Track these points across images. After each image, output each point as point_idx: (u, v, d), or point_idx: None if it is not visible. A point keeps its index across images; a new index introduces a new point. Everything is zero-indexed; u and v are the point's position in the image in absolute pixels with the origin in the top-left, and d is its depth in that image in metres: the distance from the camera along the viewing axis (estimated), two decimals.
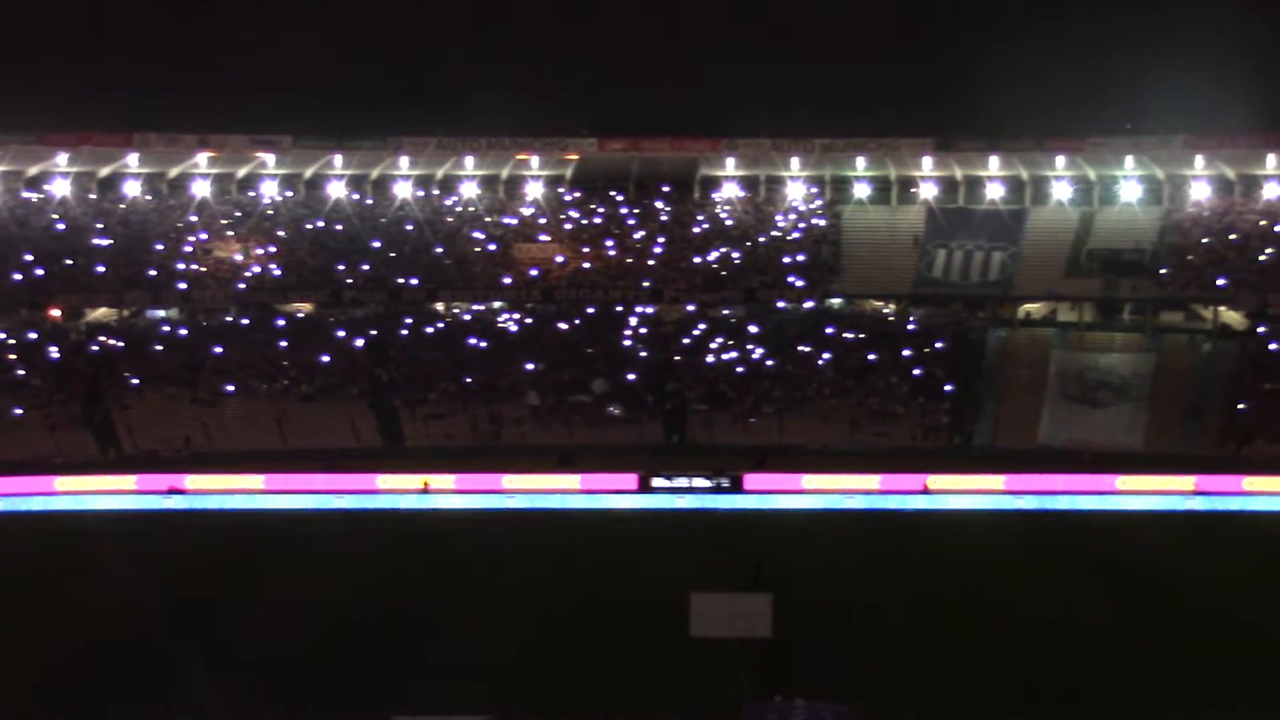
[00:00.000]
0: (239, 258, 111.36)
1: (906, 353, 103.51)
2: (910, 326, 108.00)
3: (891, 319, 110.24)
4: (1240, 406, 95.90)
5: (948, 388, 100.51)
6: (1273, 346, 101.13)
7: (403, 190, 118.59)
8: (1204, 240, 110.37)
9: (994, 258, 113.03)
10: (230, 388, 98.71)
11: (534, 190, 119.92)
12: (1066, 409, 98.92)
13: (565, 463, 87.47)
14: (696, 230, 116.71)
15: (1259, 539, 72.58)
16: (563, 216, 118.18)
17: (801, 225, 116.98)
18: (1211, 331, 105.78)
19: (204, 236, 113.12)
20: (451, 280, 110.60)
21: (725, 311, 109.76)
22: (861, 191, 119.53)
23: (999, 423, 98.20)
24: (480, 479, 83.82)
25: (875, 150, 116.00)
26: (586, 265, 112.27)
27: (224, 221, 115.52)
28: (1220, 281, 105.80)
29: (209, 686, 48.16)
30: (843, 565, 65.63)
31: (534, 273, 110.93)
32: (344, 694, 47.93)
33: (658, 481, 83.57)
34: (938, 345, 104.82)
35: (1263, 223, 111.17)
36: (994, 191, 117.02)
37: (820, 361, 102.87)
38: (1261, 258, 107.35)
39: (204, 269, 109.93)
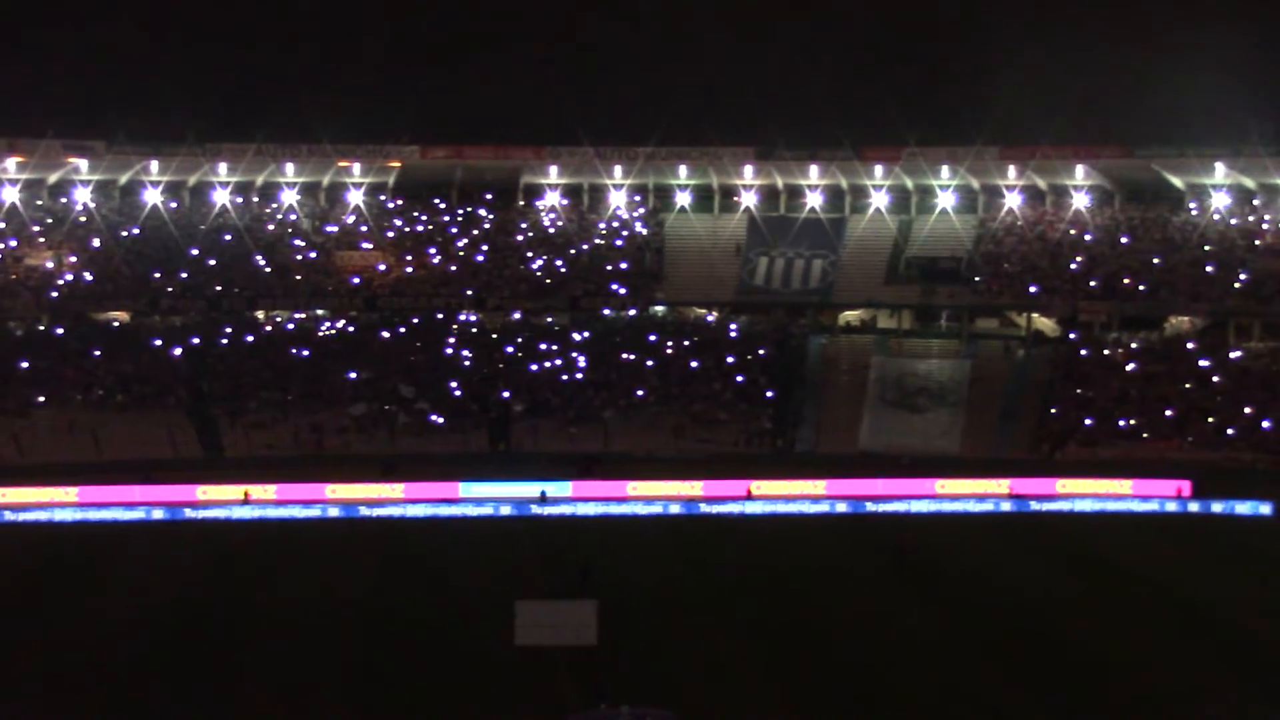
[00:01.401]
0: (50, 265, 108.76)
1: (729, 360, 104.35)
2: (732, 334, 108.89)
3: (714, 326, 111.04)
4: (1053, 411, 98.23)
5: (770, 394, 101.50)
6: (1084, 352, 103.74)
7: (221, 197, 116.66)
8: (1017, 248, 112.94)
9: (814, 265, 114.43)
10: (42, 398, 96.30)
11: (356, 198, 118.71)
12: (886, 414, 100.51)
13: (388, 471, 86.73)
14: (520, 238, 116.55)
15: (1071, 539, 74.19)
16: (385, 224, 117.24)
17: (625, 233, 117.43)
18: (1025, 338, 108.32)
19: (13, 244, 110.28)
20: (272, 289, 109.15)
21: (549, 319, 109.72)
22: (684, 200, 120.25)
23: (820, 428, 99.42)
24: (302, 489, 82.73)
25: (697, 159, 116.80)
26: (409, 273, 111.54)
27: (35, 229, 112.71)
28: (1033, 289, 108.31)
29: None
30: (668, 571, 65.83)
31: (356, 281, 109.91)
32: (152, 709, 46.91)
33: (482, 489, 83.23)
34: (760, 352, 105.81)
35: (1073, 232, 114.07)
36: (814, 200, 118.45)
37: (644, 369, 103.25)
38: (1072, 266, 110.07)
39: (14, 276, 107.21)
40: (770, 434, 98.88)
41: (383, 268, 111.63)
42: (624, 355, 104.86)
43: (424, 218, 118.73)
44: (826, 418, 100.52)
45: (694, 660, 51.39)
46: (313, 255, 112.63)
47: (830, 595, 61.51)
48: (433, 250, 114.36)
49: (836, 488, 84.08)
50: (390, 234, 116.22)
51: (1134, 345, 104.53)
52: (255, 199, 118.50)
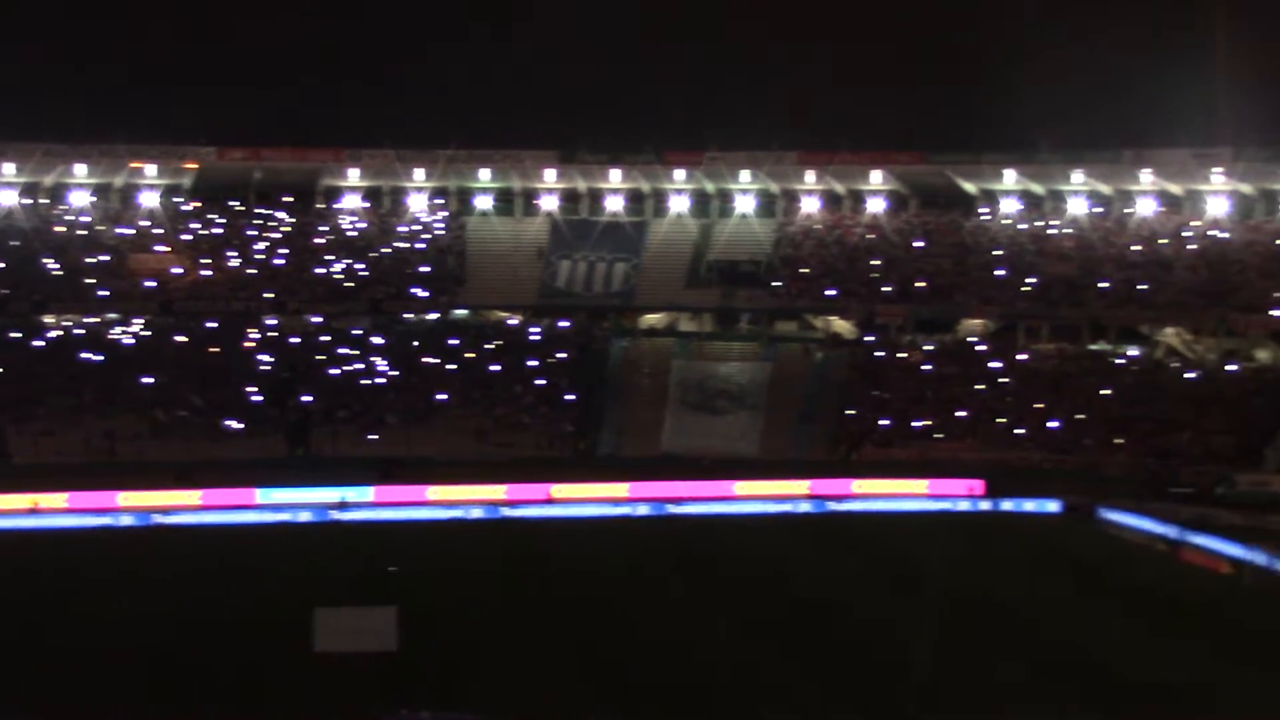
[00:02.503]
0: None
1: (531, 363, 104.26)
2: (534, 337, 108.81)
3: (516, 330, 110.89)
4: (850, 412, 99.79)
5: (572, 397, 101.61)
6: (880, 354, 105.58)
7: (7, 198, 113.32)
8: (816, 252, 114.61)
9: (616, 269, 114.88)
10: None
11: (150, 200, 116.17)
12: (687, 417, 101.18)
13: (183, 479, 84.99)
14: (319, 241, 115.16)
15: (867, 539, 75.43)
16: (181, 227, 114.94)
17: (426, 236, 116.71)
18: (823, 340, 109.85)
19: None
20: (62, 292, 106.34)
21: (349, 323, 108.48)
22: (485, 203, 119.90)
23: (622, 431, 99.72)
24: (94, 497, 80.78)
25: (500, 162, 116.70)
26: (206, 276, 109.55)
27: None
28: (831, 292, 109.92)
29: None
30: (470, 575, 65.53)
31: (151, 284, 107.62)
32: None
33: (280, 495, 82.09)
34: (561, 355, 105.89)
35: (870, 236, 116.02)
36: (616, 204, 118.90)
37: (446, 373, 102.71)
38: (869, 269, 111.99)
39: None
40: (572, 437, 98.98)
41: (178, 271, 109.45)
42: (425, 359, 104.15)
43: (221, 220, 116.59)
44: (628, 421, 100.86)
45: (496, 664, 51.19)
46: (105, 258, 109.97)
47: (629, 595, 61.72)
48: (230, 253, 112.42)
49: (638, 490, 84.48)
50: (186, 236, 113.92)
51: (928, 347, 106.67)
52: (44, 200, 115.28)
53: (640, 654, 52.56)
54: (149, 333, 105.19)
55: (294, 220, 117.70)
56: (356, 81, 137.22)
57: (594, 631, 55.63)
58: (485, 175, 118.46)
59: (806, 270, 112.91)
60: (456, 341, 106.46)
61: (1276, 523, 75.79)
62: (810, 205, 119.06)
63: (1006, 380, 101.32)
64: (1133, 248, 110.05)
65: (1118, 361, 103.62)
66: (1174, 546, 72.55)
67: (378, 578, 59.99)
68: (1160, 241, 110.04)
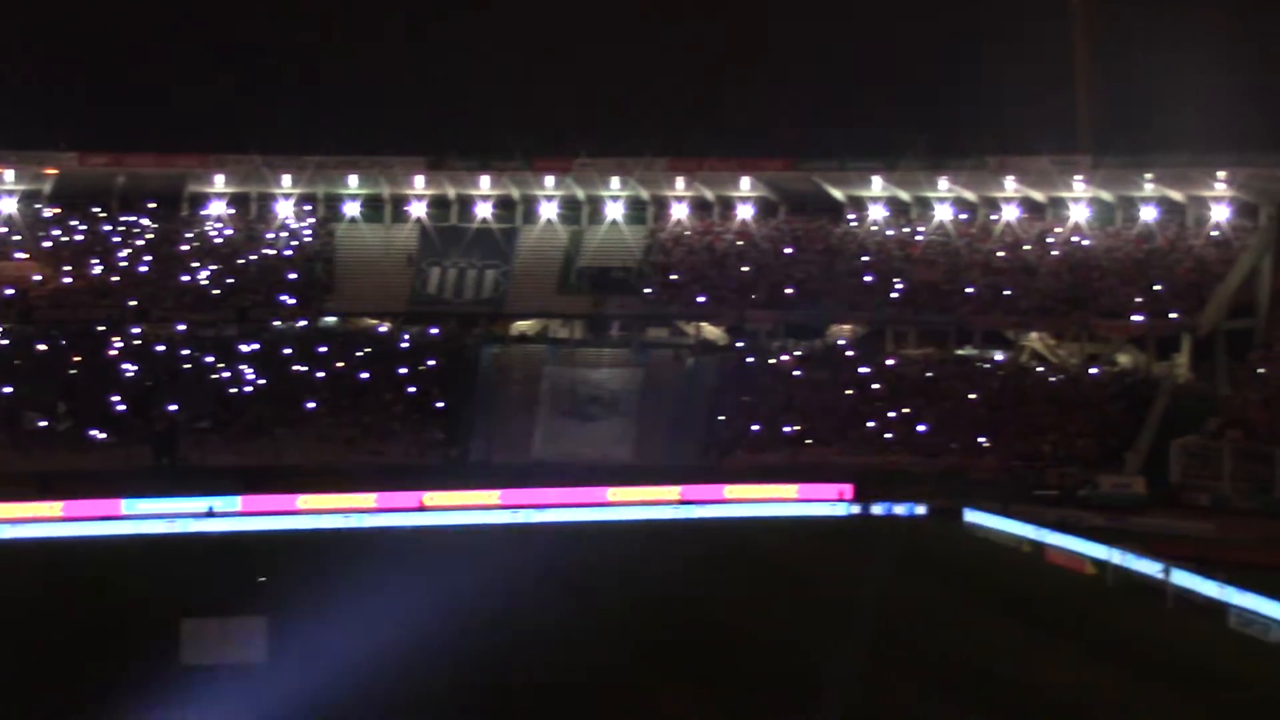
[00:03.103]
0: None
1: (401, 371, 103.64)
2: (404, 344, 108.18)
3: (386, 337, 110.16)
4: (721, 418, 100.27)
5: (442, 405, 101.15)
6: (750, 360, 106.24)
7: None
8: (686, 258, 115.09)
9: (487, 275, 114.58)
10: None
11: (9, 206, 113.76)
12: (559, 423, 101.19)
13: (45, 489, 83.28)
14: (185, 248, 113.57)
15: (739, 544, 75.77)
16: (41, 233, 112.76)
17: (294, 243, 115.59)
18: (694, 346, 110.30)
19: None
20: None
21: (216, 331, 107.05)
22: (354, 209, 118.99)
23: (494, 438, 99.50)
24: None
25: (368, 168, 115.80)
26: (68, 284, 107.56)
27: None
28: (701, 298, 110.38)
29: None
30: (341, 584, 64.85)
31: (10, 292, 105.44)
32: None
33: (146, 505, 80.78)
34: (432, 363, 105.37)
35: (739, 242, 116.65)
36: (485, 210, 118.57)
37: (315, 380, 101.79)
38: (738, 275, 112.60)
39: None
40: (443, 445, 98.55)
41: (39, 278, 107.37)
42: (294, 367, 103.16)
43: (83, 227, 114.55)
44: (500, 428, 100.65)
45: (374, 677, 50.64)
46: None
47: (501, 602, 61.49)
48: (93, 260, 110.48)
49: (510, 497, 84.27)
50: (47, 244, 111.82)
51: (798, 353, 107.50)
52: None
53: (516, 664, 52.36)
54: (8, 341, 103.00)
55: (158, 227, 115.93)
56: (223, 86, 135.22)
57: (469, 641, 55.27)
58: (354, 182, 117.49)
59: (677, 276, 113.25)
60: (325, 349, 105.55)
61: (1138, 524, 77.29)
62: (680, 211, 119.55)
63: (875, 385, 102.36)
64: (997, 254, 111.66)
65: (984, 366, 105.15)
66: (1039, 548, 73.66)
67: (247, 588, 59.19)
68: (1024, 248, 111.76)
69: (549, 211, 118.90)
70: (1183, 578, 62.68)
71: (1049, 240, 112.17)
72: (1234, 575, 61.97)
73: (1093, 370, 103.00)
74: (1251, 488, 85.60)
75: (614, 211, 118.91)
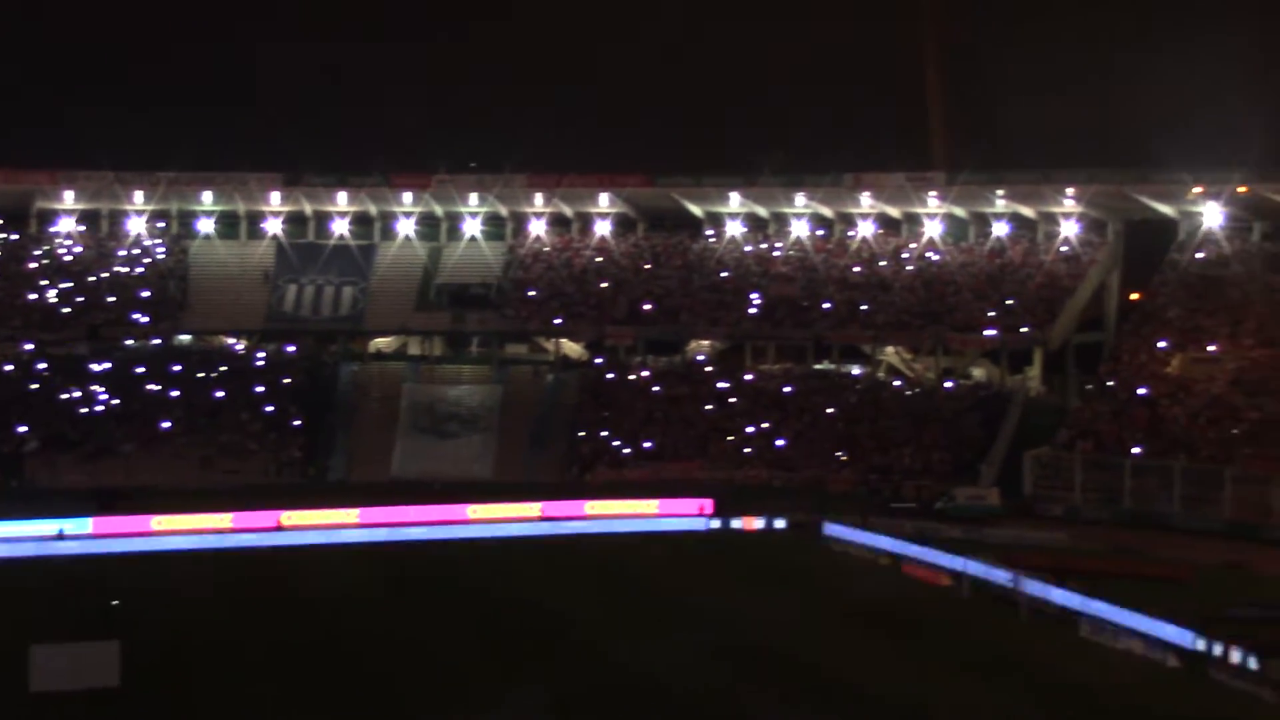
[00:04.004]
0: None
1: (258, 389, 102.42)
2: (260, 362, 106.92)
3: (242, 355, 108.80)
4: (581, 434, 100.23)
5: (300, 423, 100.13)
6: (610, 376, 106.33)
7: None
8: (545, 275, 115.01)
9: (345, 293, 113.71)
10: None
11: None
12: (418, 441, 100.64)
13: None
14: (33, 265, 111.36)
15: (600, 559, 75.71)
16: None
17: (146, 260, 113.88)
18: (553, 362, 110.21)
19: None
20: None
21: (66, 350, 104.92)
22: (208, 226, 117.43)
23: (352, 456, 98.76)
24: None
25: (223, 184, 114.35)
26: None
27: None
28: (560, 315, 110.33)
29: None
30: (195, 605, 63.84)
31: None
32: None
33: None
34: (289, 381, 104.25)
35: (598, 259, 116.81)
36: (343, 227, 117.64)
37: (169, 399, 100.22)
38: (598, 292, 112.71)
39: None
40: (301, 463, 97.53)
41: None
42: (147, 386, 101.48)
43: None
44: (358, 446, 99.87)
45: (223, 695, 49.92)
46: None
47: (355, 619, 60.95)
48: None
49: (369, 515, 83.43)
50: None
51: (657, 368, 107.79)
52: None
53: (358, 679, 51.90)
54: None
55: (4, 244, 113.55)
56: (73, 101, 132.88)
57: (316, 660, 54.63)
58: (208, 198, 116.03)
59: (536, 293, 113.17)
60: (179, 367, 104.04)
61: (993, 535, 78.43)
62: (539, 228, 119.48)
63: (734, 400, 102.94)
64: (854, 269, 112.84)
65: (841, 380, 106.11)
66: (896, 560, 74.45)
67: (99, 611, 57.99)
68: (880, 263, 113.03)
69: (407, 228, 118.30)
70: (1036, 588, 63.65)
71: (904, 256, 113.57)
72: (1086, 585, 63.18)
73: (948, 384, 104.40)
74: (1101, 498, 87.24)
75: (473, 228, 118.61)
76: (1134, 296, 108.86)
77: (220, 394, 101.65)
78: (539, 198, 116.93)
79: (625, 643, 57.15)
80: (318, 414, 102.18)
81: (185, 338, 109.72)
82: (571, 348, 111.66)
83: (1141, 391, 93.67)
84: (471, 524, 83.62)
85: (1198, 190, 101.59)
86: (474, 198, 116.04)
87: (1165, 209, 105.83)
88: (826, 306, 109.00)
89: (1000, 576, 66.16)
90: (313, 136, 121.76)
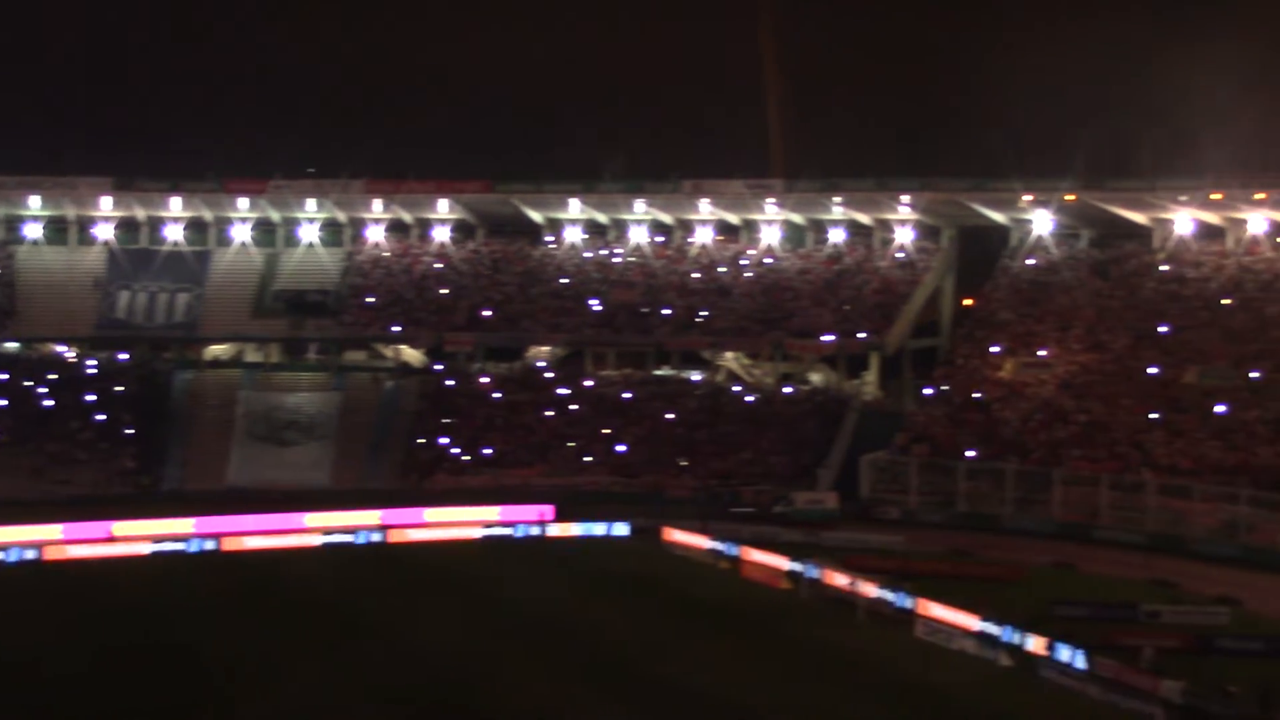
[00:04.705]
0: None
1: (89, 397, 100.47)
2: (91, 370, 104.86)
3: (72, 363, 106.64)
4: (420, 441, 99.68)
5: (132, 432, 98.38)
6: (450, 383, 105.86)
7: None
8: (384, 281, 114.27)
9: (179, 299, 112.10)
10: None
11: None
12: (255, 449, 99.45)
13: None
14: None
15: (440, 567, 75.27)
16: None
17: None
18: (393, 369, 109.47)
19: None
20: None
21: None
22: (36, 231, 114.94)
23: (187, 465, 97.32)
24: None
25: (50, 189, 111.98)
26: None
27: None
28: (399, 321, 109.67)
29: None
30: (27, 623, 62.31)
31: None
32: None
33: None
34: (121, 389, 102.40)
35: (438, 265, 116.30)
36: (176, 232, 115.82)
37: None
38: (437, 298, 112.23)
39: None
40: (134, 473, 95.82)
41: None
42: None
43: None
44: (193, 454, 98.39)
45: (38, 714, 48.76)
46: None
47: (194, 630, 59.96)
48: None
49: (205, 525, 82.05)
50: None
51: (497, 375, 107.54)
52: None
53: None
54: None
55: None
56: None
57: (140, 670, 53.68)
58: (35, 203, 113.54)
59: (375, 299, 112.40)
60: (6, 376, 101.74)
61: (830, 538, 79.31)
62: (377, 234, 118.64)
63: (574, 406, 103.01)
64: (693, 275, 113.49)
65: (681, 386, 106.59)
66: (736, 563, 74.96)
67: None
68: (719, 269, 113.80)
69: (243, 234, 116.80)
70: (872, 590, 64.51)
71: (743, 262, 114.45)
72: (921, 586, 64.18)
73: (786, 389, 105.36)
74: (936, 501, 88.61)
75: (310, 234, 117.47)
76: (967, 302, 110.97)
77: (49, 403, 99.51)
78: (378, 204, 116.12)
79: (451, 647, 56.96)
80: (151, 423, 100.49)
81: (13, 345, 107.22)
82: (411, 354, 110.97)
83: (975, 396, 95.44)
84: (309, 532, 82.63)
85: (1028, 199, 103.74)
86: (311, 203, 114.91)
87: (997, 216, 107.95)
88: (666, 313, 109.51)
89: (838, 579, 66.97)
90: (145, 140, 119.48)
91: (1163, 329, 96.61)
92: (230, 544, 79.72)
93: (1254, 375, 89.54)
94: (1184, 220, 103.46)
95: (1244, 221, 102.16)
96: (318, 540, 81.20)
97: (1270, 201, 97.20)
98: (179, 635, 59.33)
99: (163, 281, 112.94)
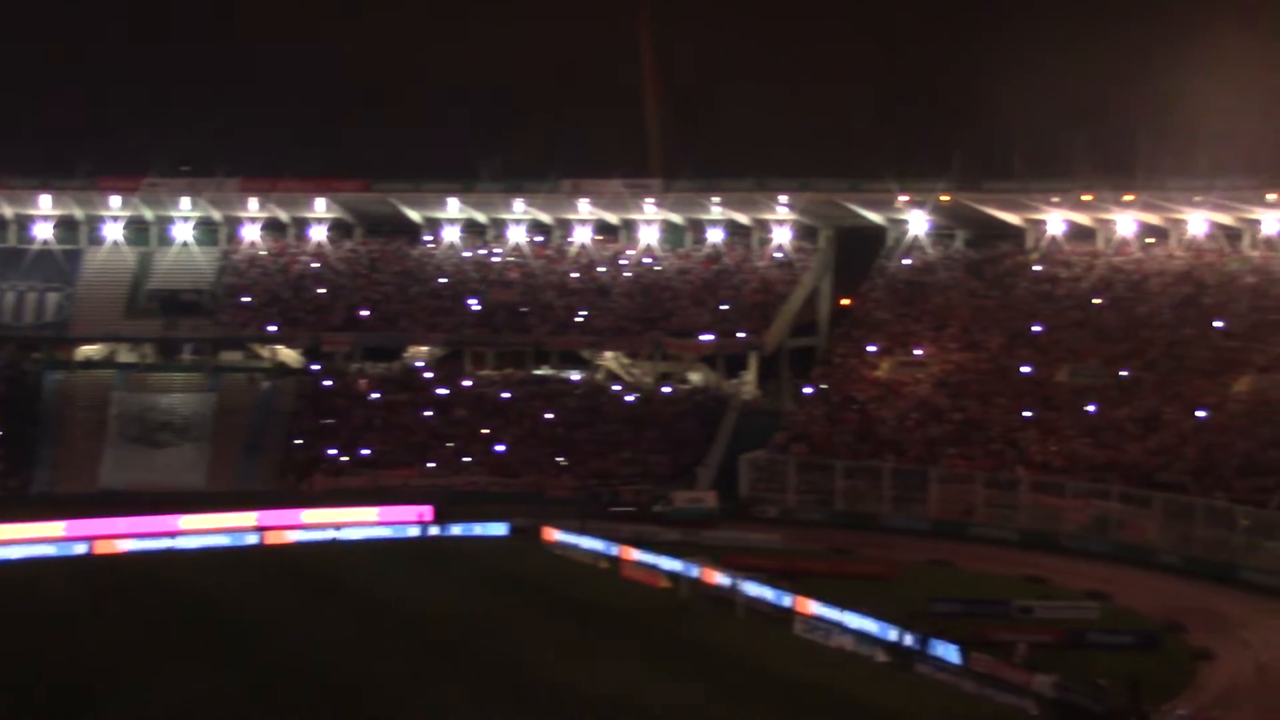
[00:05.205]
0: None
1: None
2: None
3: None
4: (298, 442, 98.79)
5: (1, 434, 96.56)
6: (327, 383, 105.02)
7: None
8: (260, 280, 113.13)
9: (49, 299, 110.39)
10: None
11: None
12: (128, 451, 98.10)
13: None
14: None
15: (317, 568, 74.66)
16: None
17: None
18: (269, 370, 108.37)
19: None
20: None
21: None
22: None
23: (58, 467, 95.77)
24: None
25: None
26: None
27: None
28: (276, 321, 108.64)
29: None
30: None
31: None
32: None
33: None
34: None
35: (315, 265, 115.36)
36: (46, 231, 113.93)
37: None
38: (315, 298, 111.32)
39: None
40: (2, 476, 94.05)
41: None
42: None
43: None
44: (64, 456, 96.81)
45: None
46: None
47: (62, 635, 58.99)
48: None
49: (76, 528, 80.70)
50: None
51: (376, 375, 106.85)
52: None
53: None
54: None
55: None
56: None
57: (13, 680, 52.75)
58: None
59: (251, 299, 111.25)
60: None
61: (710, 538, 79.63)
62: (253, 233, 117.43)
63: (453, 406, 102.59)
64: (572, 275, 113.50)
65: (561, 386, 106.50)
66: (616, 563, 75.04)
67: None
68: (599, 269, 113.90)
69: (115, 232, 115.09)
70: (751, 588, 64.82)
71: (622, 262, 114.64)
72: (800, 584, 64.66)
73: (666, 389, 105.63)
74: (815, 499, 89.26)
75: (184, 233, 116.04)
76: (845, 302, 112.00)
77: None
78: (254, 202, 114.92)
79: (329, 647, 56.57)
80: (20, 424, 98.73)
81: None
82: (288, 354, 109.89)
83: (852, 395, 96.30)
84: (184, 534, 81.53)
85: (904, 199, 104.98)
86: (186, 202, 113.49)
87: (874, 217, 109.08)
88: (546, 312, 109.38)
89: (717, 578, 67.25)
90: (13, 137, 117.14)
91: (1036, 328, 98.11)
92: (102, 547, 78.55)
93: (1123, 374, 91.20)
94: (1056, 221, 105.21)
95: (1113, 223, 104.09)
96: (193, 543, 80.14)
97: (1139, 203, 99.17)
98: (45, 640, 58.29)
99: (32, 281, 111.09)
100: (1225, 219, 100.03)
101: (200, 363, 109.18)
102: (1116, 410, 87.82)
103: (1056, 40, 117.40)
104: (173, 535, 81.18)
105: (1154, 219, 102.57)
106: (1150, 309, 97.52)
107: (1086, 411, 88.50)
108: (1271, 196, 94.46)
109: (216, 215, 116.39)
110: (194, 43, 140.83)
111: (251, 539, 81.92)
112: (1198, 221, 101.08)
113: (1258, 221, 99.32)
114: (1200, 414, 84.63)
